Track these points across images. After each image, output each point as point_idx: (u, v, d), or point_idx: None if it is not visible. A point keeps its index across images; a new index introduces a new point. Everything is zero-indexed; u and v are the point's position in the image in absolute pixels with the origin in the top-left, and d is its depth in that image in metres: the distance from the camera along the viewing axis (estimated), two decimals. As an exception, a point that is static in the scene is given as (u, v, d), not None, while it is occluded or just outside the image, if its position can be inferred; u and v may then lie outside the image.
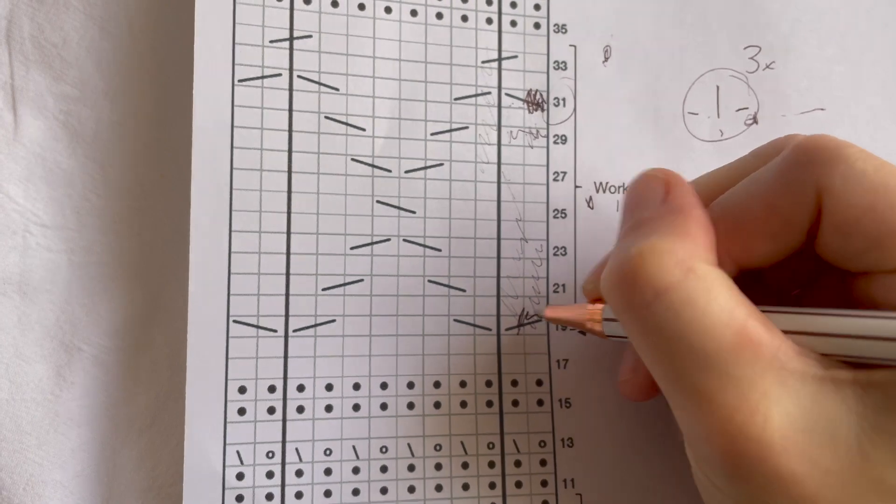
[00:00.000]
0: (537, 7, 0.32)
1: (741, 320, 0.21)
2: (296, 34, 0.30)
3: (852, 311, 0.22)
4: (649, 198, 0.24)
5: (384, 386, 0.29)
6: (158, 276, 0.30)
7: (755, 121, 0.33)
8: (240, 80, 0.29)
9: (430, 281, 0.30)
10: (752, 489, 0.21)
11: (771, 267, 0.24)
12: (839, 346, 0.22)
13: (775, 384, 0.21)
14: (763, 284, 0.26)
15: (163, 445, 0.29)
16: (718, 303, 0.21)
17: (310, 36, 0.30)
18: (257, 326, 0.28)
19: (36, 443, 0.29)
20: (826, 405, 0.21)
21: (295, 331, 0.29)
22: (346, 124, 0.30)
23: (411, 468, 0.29)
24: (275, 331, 0.28)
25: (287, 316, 0.29)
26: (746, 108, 0.33)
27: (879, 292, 0.22)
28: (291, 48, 0.30)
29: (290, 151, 0.29)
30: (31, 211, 0.30)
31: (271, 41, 0.29)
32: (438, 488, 0.29)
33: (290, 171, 0.29)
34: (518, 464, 0.30)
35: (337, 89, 0.30)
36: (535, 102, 0.32)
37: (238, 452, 0.28)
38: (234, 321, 0.28)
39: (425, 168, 0.30)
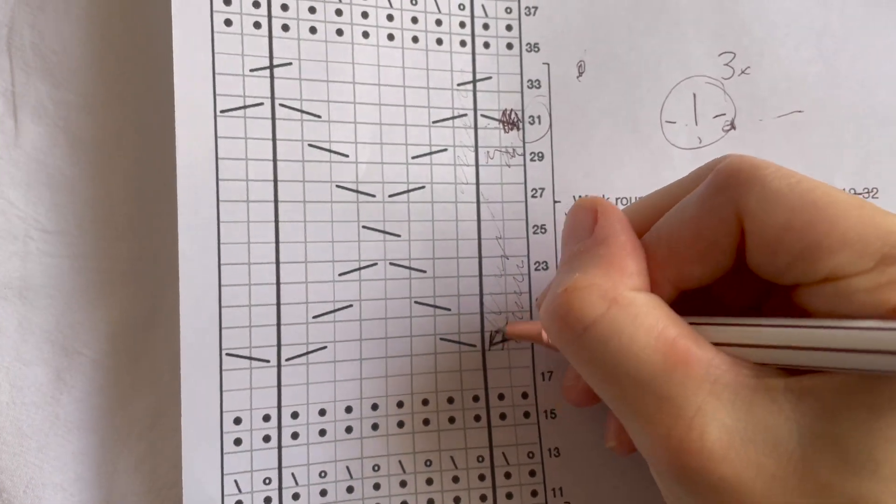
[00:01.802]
0: (509, 27, 0.32)
1: (669, 340, 0.22)
2: (275, 62, 0.30)
3: (780, 320, 0.23)
4: (579, 229, 0.26)
5: (375, 407, 0.31)
6: (158, 282, 0.31)
7: (733, 126, 0.33)
8: (222, 111, 0.29)
9: (416, 302, 0.31)
10: (705, 498, 0.22)
11: (720, 284, 0.25)
12: (768, 356, 0.23)
13: (709, 398, 0.22)
14: (717, 301, 0.27)
15: (162, 448, 0.30)
16: (644, 327, 0.23)
17: (290, 63, 0.30)
18: (250, 358, 0.29)
19: (36, 446, 0.30)
20: (762, 414, 0.22)
21: (287, 359, 0.30)
22: (330, 151, 0.31)
23: (403, 484, 0.30)
24: (268, 361, 0.30)
25: (279, 345, 0.30)
26: (724, 115, 0.33)
27: (811, 302, 0.23)
28: (272, 76, 0.30)
29: (275, 181, 0.30)
30: (33, 216, 0.30)
31: (251, 70, 0.30)
32: (430, 502, 0.31)
33: (276, 201, 0.30)
34: (508, 475, 0.31)
35: (319, 116, 0.31)
36: (511, 122, 0.32)
37: (236, 481, 0.29)
38: (227, 354, 0.29)
39: (408, 191, 0.31)
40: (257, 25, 0.30)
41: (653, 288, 0.25)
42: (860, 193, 0.34)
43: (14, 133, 0.30)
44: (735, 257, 0.24)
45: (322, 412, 0.30)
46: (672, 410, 0.22)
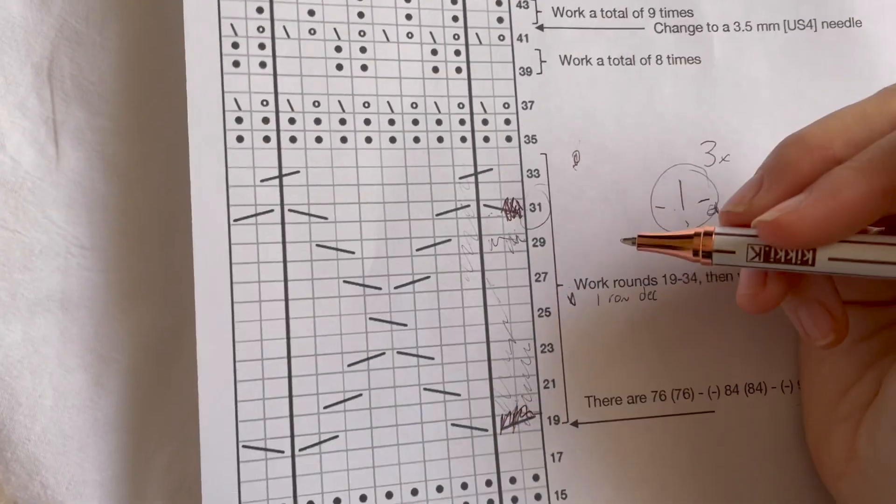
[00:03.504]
0: (508, 122, 0.34)
1: None
2: (284, 171, 0.32)
3: None
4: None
5: (389, 495, 0.31)
6: (187, 294, 0.32)
7: (716, 210, 0.35)
8: (235, 220, 0.31)
9: (425, 389, 0.32)
10: None
11: None
12: None
13: None
14: None
15: (192, 449, 0.31)
16: None
17: (297, 171, 0.32)
18: (265, 449, 0.30)
19: (77, 446, 0.31)
20: None
21: (301, 450, 0.30)
22: (337, 249, 0.32)
23: (422, 572, 0.30)
24: (282, 451, 0.30)
25: (293, 436, 0.30)
26: (707, 199, 0.35)
27: None
28: (281, 185, 0.32)
29: (285, 280, 0.31)
30: (72, 234, 0.32)
31: (262, 180, 0.32)
32: (450, 590, 0.31)
33: (286, 299, 0.31)
34: (521, 558, 0.31)
35: (326, 218, 0.32)
36: (513, 210, 0.34)
37: (254, 572, 0.29)
38: (244, 446, 0.30)
39: (413, 282, 0.32)
40: (266, 139, 0.32)
41: None
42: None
43: (55, 158, 0.33)
44: None
45: (337, 501, 0.30)
46: None
